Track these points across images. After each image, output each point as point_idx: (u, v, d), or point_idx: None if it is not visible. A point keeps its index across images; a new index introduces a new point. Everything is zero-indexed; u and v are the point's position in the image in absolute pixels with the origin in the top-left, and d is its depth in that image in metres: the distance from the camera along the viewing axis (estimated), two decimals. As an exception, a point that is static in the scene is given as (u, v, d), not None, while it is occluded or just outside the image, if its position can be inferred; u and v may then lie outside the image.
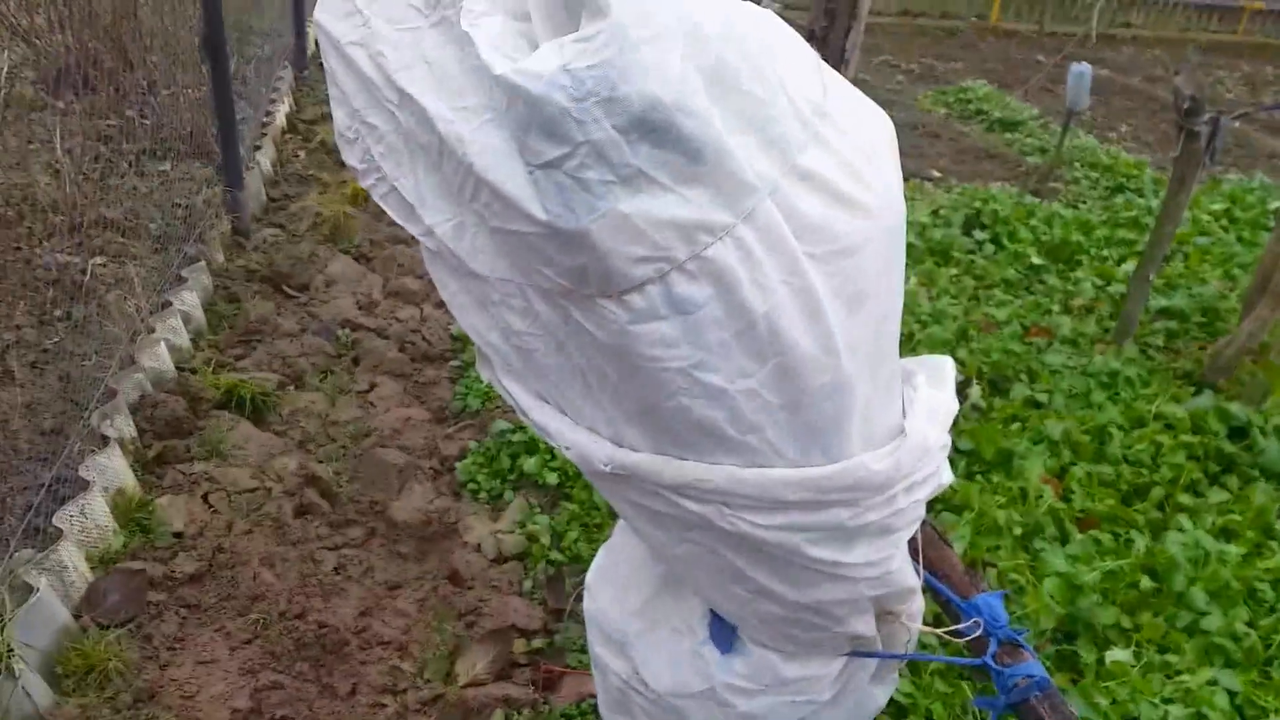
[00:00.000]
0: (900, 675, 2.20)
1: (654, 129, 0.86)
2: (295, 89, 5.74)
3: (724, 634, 1.23)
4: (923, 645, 2.09)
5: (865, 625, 1.11)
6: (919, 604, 1.18)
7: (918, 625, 1.19)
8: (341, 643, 2.39)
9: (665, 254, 0.90)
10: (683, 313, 0.93)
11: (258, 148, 4.55)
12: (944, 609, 1.29)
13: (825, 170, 0.94)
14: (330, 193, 4.53)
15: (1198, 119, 3.02)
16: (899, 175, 1.01)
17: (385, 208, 1.19)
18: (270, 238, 4.04)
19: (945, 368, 1.14)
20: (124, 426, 2.78)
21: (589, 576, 1.45)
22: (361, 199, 4.49)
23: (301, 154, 5.01)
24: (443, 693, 2.27)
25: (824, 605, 1.07)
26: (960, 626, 1.20)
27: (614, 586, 1.38)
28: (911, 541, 1.19)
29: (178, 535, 2.60)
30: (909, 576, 1.09)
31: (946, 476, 1.18)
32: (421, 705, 2.26)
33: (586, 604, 1.43)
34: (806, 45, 1.05)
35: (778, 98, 0.93)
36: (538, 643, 2.40)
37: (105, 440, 2.62)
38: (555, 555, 2.62)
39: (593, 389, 1.07)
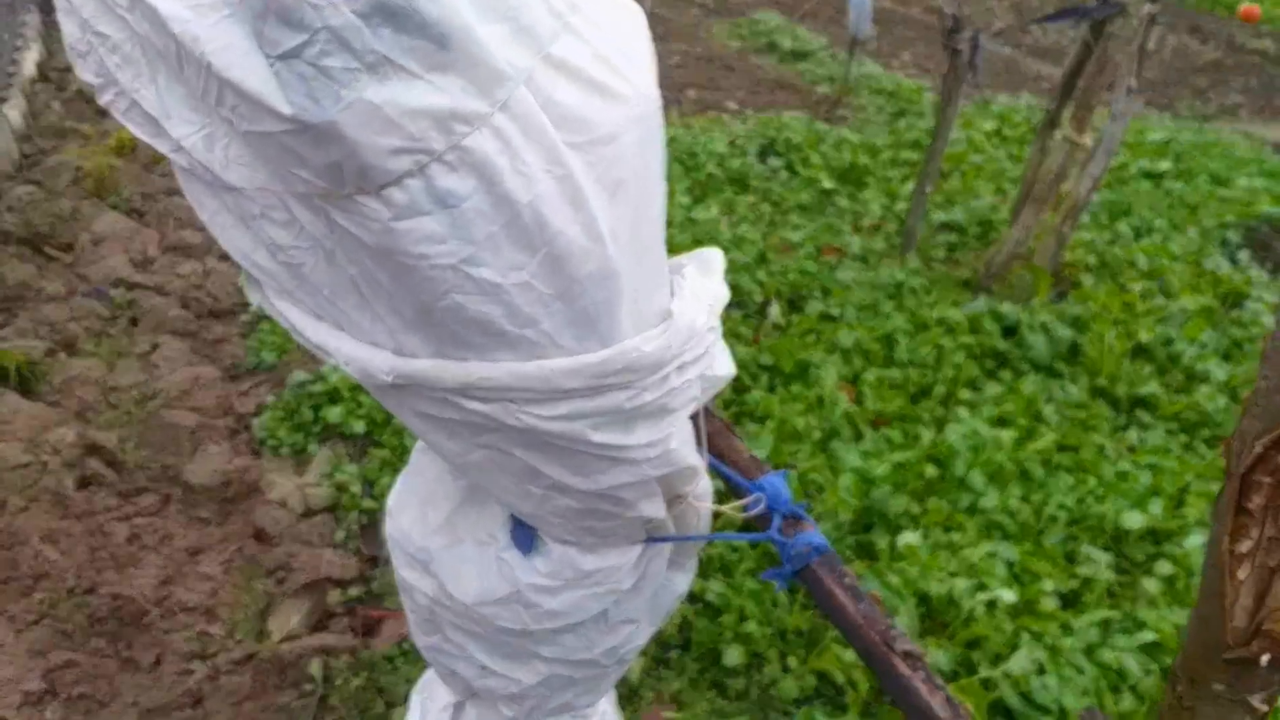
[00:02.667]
0: (712, 577, 2.30)
1: (394, 13, 0.82)
2: (44, 34, 5.22)
3: (524, 536, 1.24)
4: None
5: (655, 509, 1.15)
6: (706, 485, 1.23)
7: (707, 505, 1.24)
8: (140, 613, 2.26)
9: (421, 145, 0.88)
10: (447, 206, 0.91)
11: (3, 99, 4.13)
12: (733, 494, 1.35)
13: (579, 59, 0.94)
14: (92, 144, 4.17)
15: (960, 37, 3.21)
16: (653, 65, 1.02)
17: (128, 125, 1.10)
18: (25, 196, 3.68)
19: (714, 259, 1.17)
20: None
21: (389, 501, 1.43)
22: (128, 150, 4.16)
23: (56, 104, 4.57)
24: (255, 651, 2.19)
25: (614, 491, 1.09)
26: (744, 501, 1.25)
27: (414, 507, 1.36)
28: (698, 429, 1.23)
29: (-59, 520, 2.38)
30: (690, 456, 1.12)
31: (725, 367, 1.22)
32: (234, 665, 2.18)
33: (388, 527, 1.40)
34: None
35: None
36: (355, 591, 2.35)
37: None
38: (368, 503, 2.56)
39: (367, 299, 1.04)
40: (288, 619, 2.27)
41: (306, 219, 1.00)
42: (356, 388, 2.83)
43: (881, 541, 2.38)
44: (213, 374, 3.00)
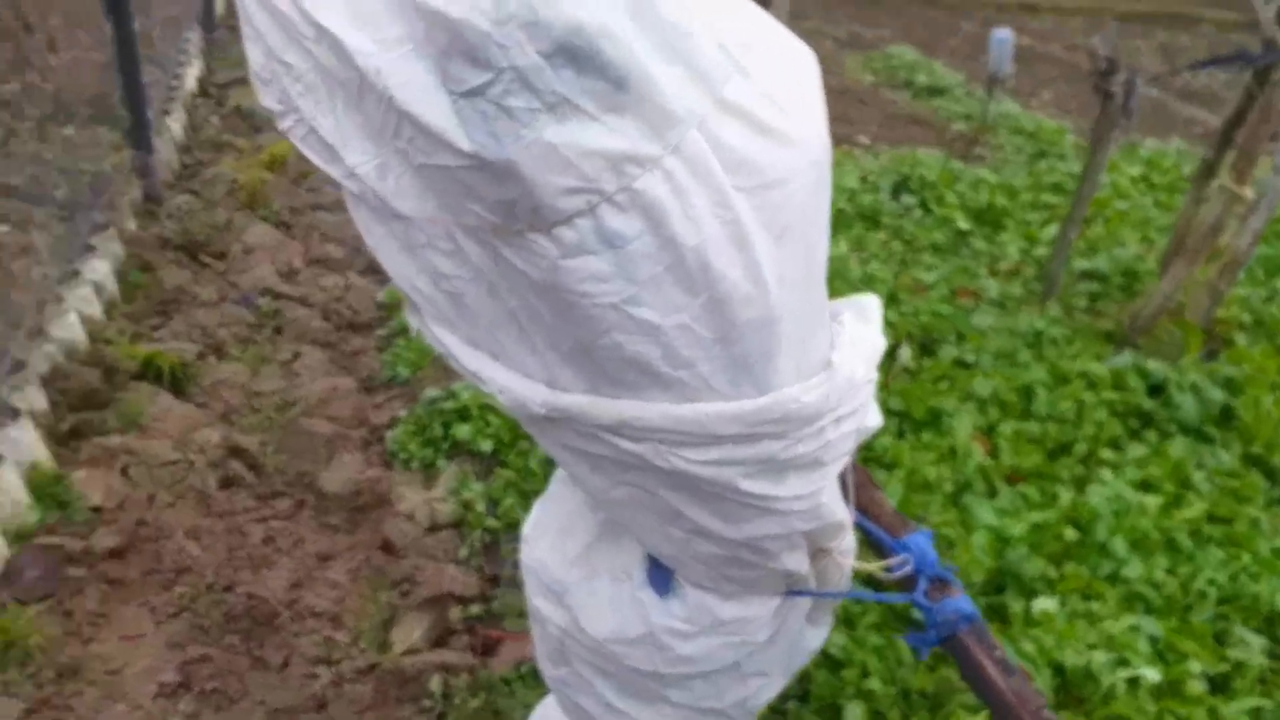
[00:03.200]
0: (835, 629, 2.24)
1: (577, 54, 0.83)
2: (205, 51, 5.54)
3: (661, 577, 1.22)
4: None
5: (799, 562, 1.12)
6: (850, 541, 1.19)
7: (850, 563, 1.20)
8: (272, 614, 2.33)
9: (594, 185, 0.88)
10: (613, 246, 0.91)
11: (167, 113, 4.39)
12: (875, 549, 1.31)
13: (750, 103, 0.93)
14: (246, 158, 4.39)
15: (1113, 80, 3.08)
16: (823, 109, 1.01)
17: (304, 150, 1.14)
18: (184, 205, 3.90)
19: (871, 306, 1.14)
20: (35, 398, 2.67)
21: (526, 528, 1.44)
22: (279, 164, 4.36)
23: (215, 119, 4.84)
24: (378, 661, 2.24)
25: (758, 541, 1.07)
26: (890, 562, 1.21)
27: (551, 536, 1.36)
28: (844, 482, 1.19)
29: (96, 509, 2.51)
30: (839, 511, 1.09)
31: (875, 419, 1.19)
32: (357, 674, 2.23)
33: (524, 555, 1.41)
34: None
35: (699, 28, 0.91)
36: (475, 609, 2.38)
37: (15, 413, 2.51)
38: (491, 522, 2.59)
39: (526, 331, 1.05)
40: (410, 632, 2.31)
41: (472, 250, 1.02)
42: (486, 406, 2.88)
43: (1015, 605, 2.27)
44: (350, 385, 3.10)
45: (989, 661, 1.19)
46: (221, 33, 5.94)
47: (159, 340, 3.13)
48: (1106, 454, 2.86)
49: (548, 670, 1.48)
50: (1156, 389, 3.18)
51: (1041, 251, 4.23)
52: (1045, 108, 7.12)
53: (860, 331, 1.10)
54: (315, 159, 1.14)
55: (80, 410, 2.77)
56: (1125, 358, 3.28)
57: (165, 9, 4.77)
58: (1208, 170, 3.52)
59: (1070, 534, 2.43)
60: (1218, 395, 3.13)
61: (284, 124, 1.16)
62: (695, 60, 0.90)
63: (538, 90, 0.84)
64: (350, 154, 1.06)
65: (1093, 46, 3.21)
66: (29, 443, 2.52)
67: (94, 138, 3.80)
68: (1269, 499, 2.84)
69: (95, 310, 3.12)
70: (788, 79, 0.98)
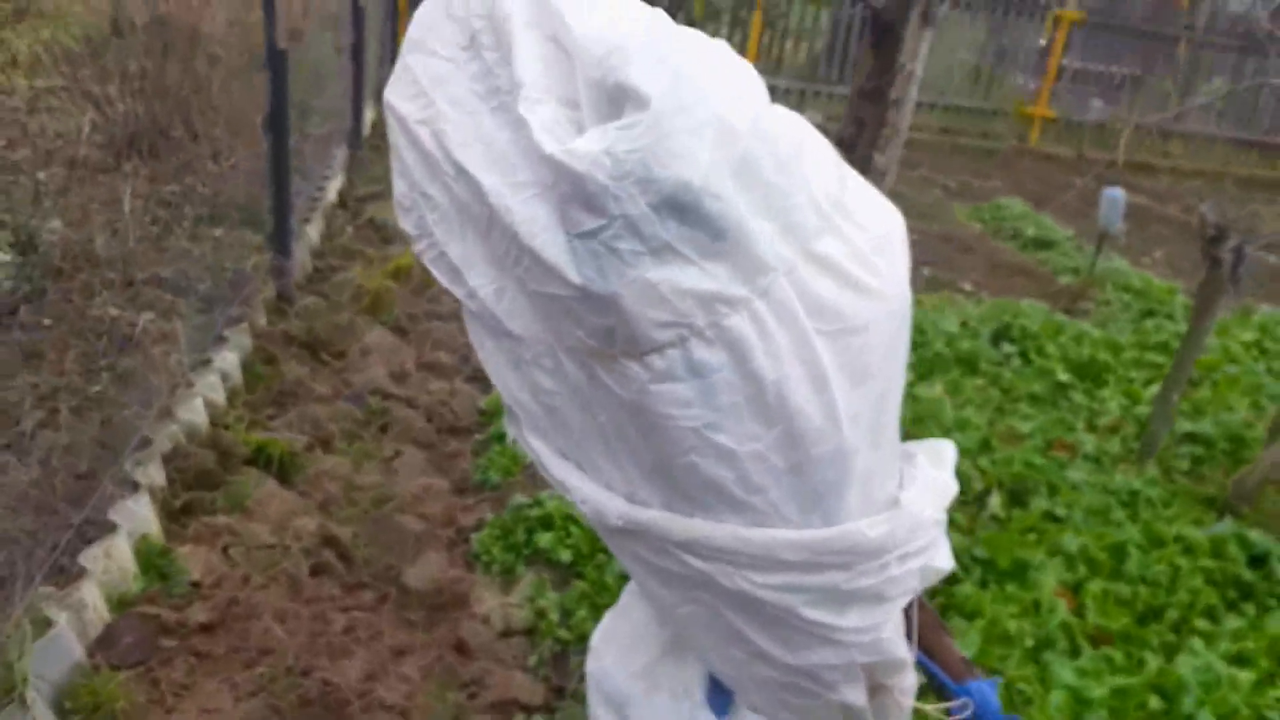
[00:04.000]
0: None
1: (682, 208, 0.94)
2: (348, 167, 5.99)
3: (720, 698, 1.25)
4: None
5: (857, 695, 1.14)
6: (911, 681, 1.21)
7: (909, 702, 1.21)
8: (344, 702, 2.40)
9: (686, 321, 0.98)
10: (699, 376, 1.00)
11: (307, 220, 4.74)
12: (938, 694, 1.31)
13: (838, 256, 1.02)
14: (373, 267, 4.69)
15: (1223, 246, 3.09)
16: (907, 265, 1.09)
17: (433, 271, 1.28)
18: (312, 305, 4.18)
19: (945, 450, 1.19)
20: (155, 474, 2.86)
21: (594, 638, 1.49)
22: (403, 275, 4.64)
23: (349, 229, 5.20)
24: (441, 761, 2.27)
25: (817, 670, 1.11)
26: (950, 705, 1.22)
27: (618, 648, 1.41)
28: (908, 624, 1.22)
29: (195, 584, 2.65)
30: (900, 648, 1.12)
31: (945, 561, 1.22)
32: (419, 772, 2.26)
33: (590, 664, 1.46)
34: (829, 145, 1.14)
35: (798, 190, 1.01)
36: (538, 718, 2.40)
37: (136, 486, 2.70)
38: (563, 633, 2.63)
39: (612, 446, 1.13)
40: (474, 735, 2.34)
41: (571, 370, 1.12)
42: (569, 516, 2.95)
43: (1092, 773, 2.18)
44: (443, 485, 3.23)
45: (1048, 820, 1.17)
46: (365, 150, 6.42)
47: (273, 429, 3.32)
48: (1200, 623, 2.75)
49: (605, 782, 1.50)
50: (1258, 560, 3.05)
51: (1143, 410, 4.15)
52: (1156, 267, 7.05)
53: (932, 474, 1.15)
54: (442, 279, 1.27)
55: (193, 489, 2.95)
56: (1227, 525, 3.18)
57: (318, 126, 5.22)
58: (1320, 341, 3.44)
59: (1155, 703, 2.34)
60: (1325, 572, 2.99)
61: (418, 246, 1.30)
62: (790, 216, 1.00)
63: (644, 236, 0.94)
64: (473, 277, 1.19)
65: (1202, 213, 3.22)
66: (144, 516, 2.70)
67: (239, 239, 4.15)
68: (1380, 689, 2.67)
69: (219, 397, 3.35)
70: (876, 236, 1.07)
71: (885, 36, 1.92)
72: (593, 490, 1.17)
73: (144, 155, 4.24)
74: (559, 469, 1.22)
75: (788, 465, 1.01)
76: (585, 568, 2.82)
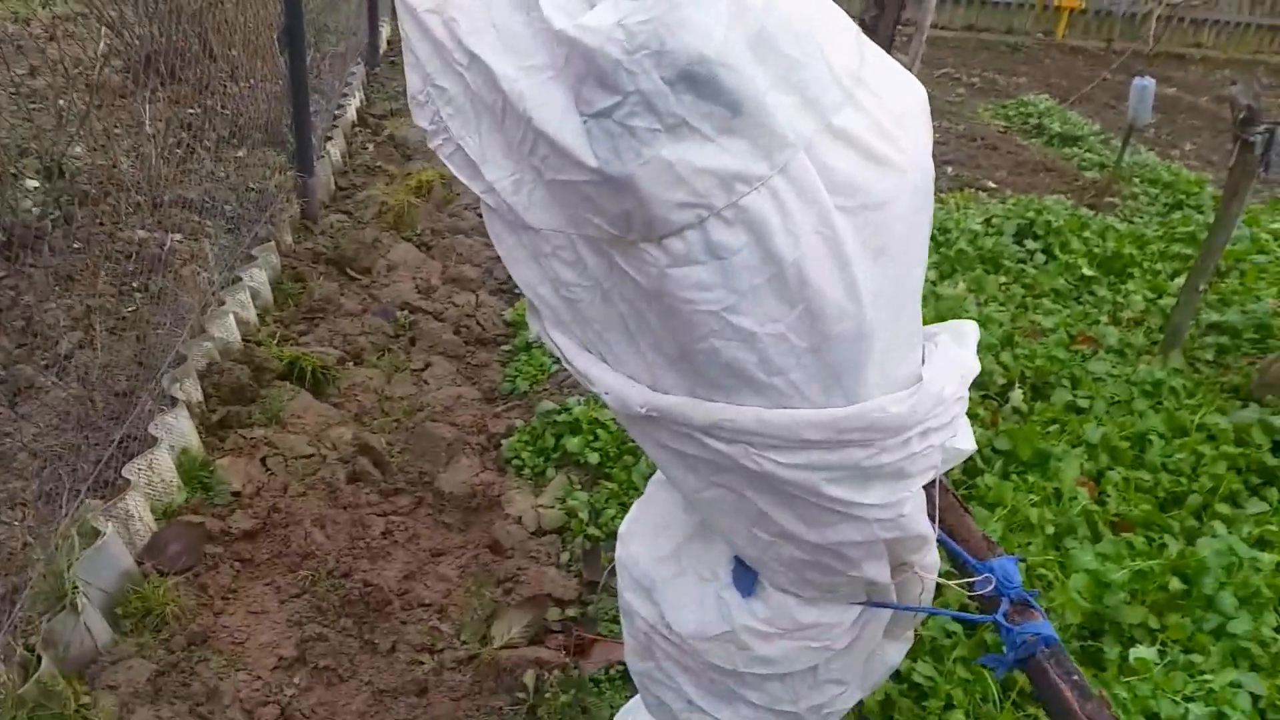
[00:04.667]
0: (921, 658, 2.25)
1: (697, 81, 0.93)
2: (367, 85, 5.93)
3: (746, 578, 1.30)
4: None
5: (880, 572, 1.18)
6: (933, 557, 1.24)
7: (932, 579, 1.25)
8: (384, 602, 2.49)
9: (704, 201, 0.98)
10: (718, 257, 1.00)
11: (329, 139, 4.73)
12: (959, 570, 1.35)
13: (858, 130, 1.01)
14: (396, 184, 4.69)
15: (1253, 129, 3.02)
16: (929, 138, 1.08)
17: (450, 166, 1.28)
18: (337, 223, 4.20)
19: (968, 330, 1.20)
20: (192, 390, 2.93)
21: (622, 526, 1.53)
22: (425, 190, 4.64)
23: (370, 146, 5.18)
24: (478, 653, 2.37)
25: (840, 547, 1.14)
26: (973, 580, 1.25)
27: (645, 535, 1.45)
28: (931, 504, 1.25)
29: (236, 494, 2.74)
30: (922, 524, 1.14)
31: (967, 443, 1.24)
32: (457, 664, 2.36)
33: (619, 551, 1.50)
34: (848, 20, 1.13)
35: (816, 63, 1.00)
36: (571, 612, 2.49)
37: (174, 402, 2.77)
38: (593, 531, 2.71)
39: (633, 335, 1.15)
40: (509, 627, 2.43)
41: (591, 260, 1.13)
42: (596, 420, 3.00)
43: (1111, 652, 2.24)
44: (473, 394, 3.29)
45: (1066, 685, 1.22)
46: (382, 68, 6.35)
47: (304, 345, 3.38)
48: (1222, 509, 2.77)
49: (634, 664, 1.56)
50: (1282, 446, 3.07)
51: (1168, 303, 4.12)
52: (1186, 159, 6.90)
53: (954, 353, 1.16)
54: (459, 174, 1.27)
55: (230, 403, 3.02)
56: (1251, 412, 3.18)
57: (335, 44, 5.15)
58: (1352, 226, 3.38)
59: (1176, 585, 2.38)
60: (1350, 457, 3.00)
61: (434, 142, 1.30)
62: (809, 90, 0.99)
63: (659, 112, 0.94)
64: (490, 170, 1.19)
65: (1232, 95, 3.15)
66: (183, 430, 2.77)
67: (262, 159, 4.15)
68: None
69: (250, 314, 3.40)
70: (896, 110, 1.06)
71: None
72: (616, 380, 1.19)
73: (163, 78, 4.21)
74: (582, 361, 1.24)
75: (809, 345, 1.02)
76: (613, 469, 2.88)
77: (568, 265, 1.17)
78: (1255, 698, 2.11)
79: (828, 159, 1.00)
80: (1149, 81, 5.18)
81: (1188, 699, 2.10)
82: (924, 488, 1.18)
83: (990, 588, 1.28)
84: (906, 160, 1.03)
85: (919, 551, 1.20)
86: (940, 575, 1.31)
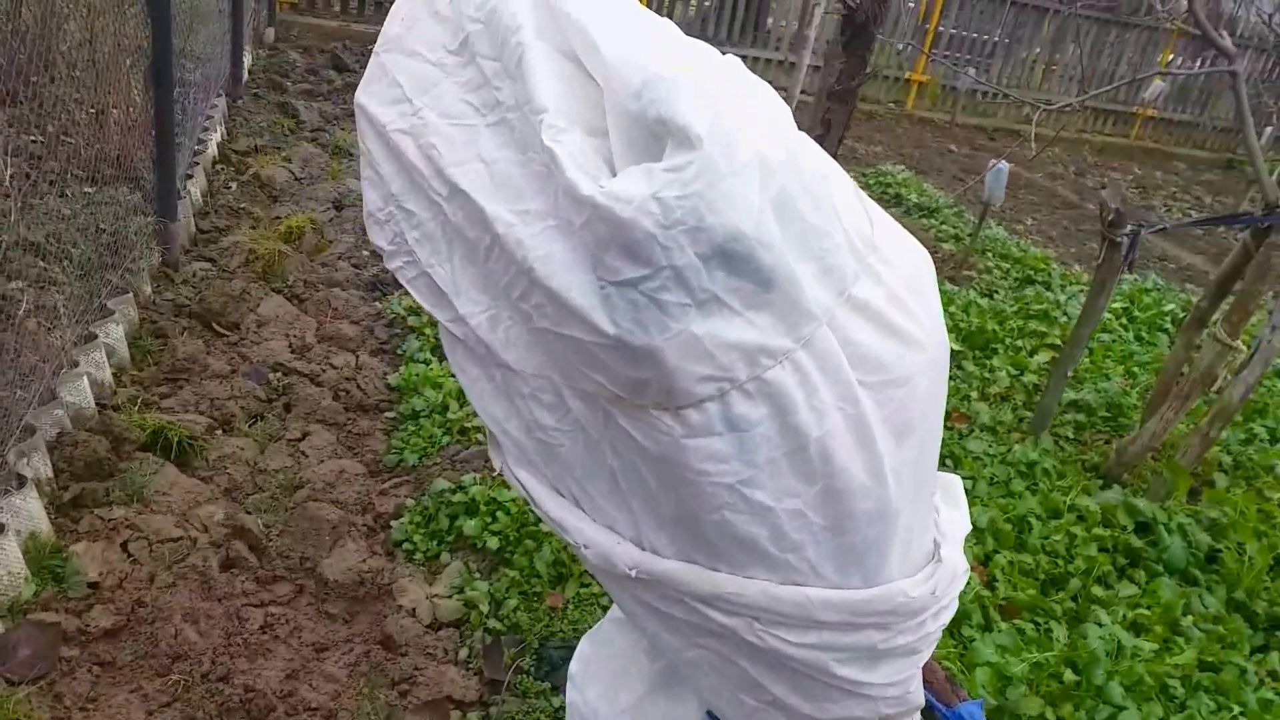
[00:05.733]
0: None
1: (732, 258, 0.89)
2: (228, 118, 5.60)
3: (722, 737, 1.24)
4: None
5: (870, 739, 1.14)
6: (917, 718, 1.22)
7: (912, 736, 1.23)
8: (268, 709, 2.29)
9: (728, 374, 0.93)
10: (737, 430, 0.95)
11: (189, 177, 4.42)
12: (925, 715, 1.33)
13: (876, 301, 0.98)
14: (263, 228, 4.42)
15: (1120, 230, 3.22)
16: (940, 309, 1.06)
17: (411, 290, 1.19)
18: (200, 271, 3.91)
19: (955, 487, 1.19)
20: (41, 466, 2.64)
21: (573, 666, 1.44)
22: (295, 237, 4.39)
23: (233, 185, 4.88)
24: (376, 766, 2.20)
25: (838, 720, 1.10)
26: (950, 734, 1.24)
27: (603, 681, 1.37)
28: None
29: (93, 585, 2.47)
30: (920, 695, 1.12)
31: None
32: (354, 782, 2.19)
33: (571, 695, 1.41)
34: (845, 175, 1.11)
35: (834, 228, 0.97)
36: (474, 716, 2.35)
37: (21, 480, 2.48)
38: (493, 624, 2.58)
39: (622, 490, 1.08)
40: (408, 736, 2.27)
41: (580, 410, 1.05)
42: (494, 501, 2.88)
43: (1014, 747, 2.29)
44: (357, 468, 3.09)
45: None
46: (245, 100, 6.02)
47: (168, 410, 3.10)
48: (1097, 591, 2.91)
49: (584, 809, 1.47)
50: (1143, 526, 3.26)
51: (1030, 379, 4.35)
52: (1029, 233, 7.36)
53: (953, 517, 1.14)
54: (422, 300, 1.18)
55: (84, 479, 2.74)
56: (1115, 494, 3.37)
57: (193, 72, 4.83)
58: (1199, 319, 3.66)
59: (1068, 675, 2.47)
60: (1204, 539, 3.22)
61: (393, 263, 1.20)
62: (828, 259, 0.95)
63: (691, 288, 0.88)
64: (462, 303, 1.10)
65: (1103, 198, 3.35)
66: (32, 512, 2.48)
67: (114, 197, 3.81)
68: (1252, 645, 2.90)
69: (106, 375, 3.10)
70: (909, 279, 1.04)
71: (858, 36, 1.87)
72: (597, 534, 1.12)
73: (2, 99, 3.84)
74: (554, 507, 1.16)
75: (827, 523, 0.98)
76: (513, 554, 2.77)
77: (547, 409, 1.09)
78: (1149, 793, 2.20)
79: (849, 332, 0.96)
80: (1005, 165, 5.51)
81: (1088, 797, 2.17)
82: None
83: (963, 739, 1.27)
84: (924, 335, 1.01)
85: (910, 717, 1.17)
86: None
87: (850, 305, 0.97)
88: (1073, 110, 11.42)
